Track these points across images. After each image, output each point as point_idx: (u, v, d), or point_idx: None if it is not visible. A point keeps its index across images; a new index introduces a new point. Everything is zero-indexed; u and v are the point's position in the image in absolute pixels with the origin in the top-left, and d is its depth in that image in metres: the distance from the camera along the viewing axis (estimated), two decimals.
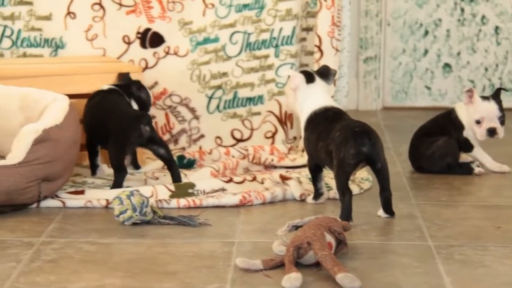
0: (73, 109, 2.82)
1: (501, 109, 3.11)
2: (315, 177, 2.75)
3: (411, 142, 3.22)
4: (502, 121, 3.10)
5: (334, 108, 2.71)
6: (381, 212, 2.65)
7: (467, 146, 3.16)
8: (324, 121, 2.67)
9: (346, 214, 2.54)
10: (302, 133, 2.76)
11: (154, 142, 2.88)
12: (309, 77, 2.75)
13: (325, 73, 2.77)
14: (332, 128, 2.62)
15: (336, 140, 2.57)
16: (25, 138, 2.65)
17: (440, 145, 3.15)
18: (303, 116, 2.74)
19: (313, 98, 2.72)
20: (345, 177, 2.55)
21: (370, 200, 2.79)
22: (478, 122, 3.09)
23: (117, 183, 2.83)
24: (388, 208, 2.64)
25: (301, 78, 2.75)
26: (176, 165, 2.90)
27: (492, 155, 3.22)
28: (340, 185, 2.56)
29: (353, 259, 2.27)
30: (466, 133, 3.15)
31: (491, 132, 3.08)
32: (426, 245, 2.39)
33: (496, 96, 3.13)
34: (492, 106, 3.09)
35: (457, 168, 3.15)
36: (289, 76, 2.77)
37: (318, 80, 2.75)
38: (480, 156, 3.15)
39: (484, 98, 3.11)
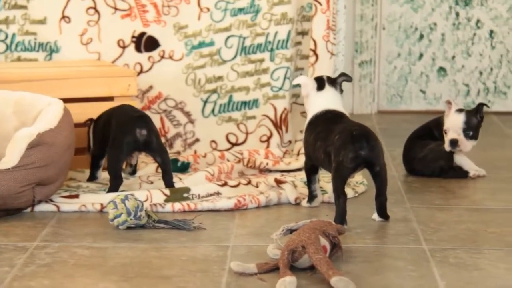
0: (67, 113, 2.82)
1: (469, 123, 3.10)
2: (310, 179, 2.76)
3: (404, 145, 3.23)
4: (469, 134, 3.10)
5: (334, 111, 2.73)
6: (375, 216, 2.65)
7: None
8: (323, 123, 2.70)
9: (341, 217, 2.54)
10: (303, 135, 2.78)
11: (151, 148, 2.81)
12: (320, 84, 2.78)
13: (335, 80, 2.80)
14: (331, 129, 2.64)
15: (336, 143, 2.58)
16: (20, 142, 2.65)
17: (433, 148, 3.16)
18: (307, 120, 2.77)
19: (319, 103, 2.76)
20: (342, 181, 2.56)
21: (365, 204, 2.79)
22: (445, 132, 3.12)
23: (112, 190, 2.82)
24: (383, 212, 2.64)
25: (312, 85, 2.78)
26: (170, 174, 2.85)
27: (482, 158, 3.24)
28: (336, 188, 2.56)
29: (347, 263, 2.27)
30: None
31: (453, 143, 3.10)
32: (421, 248, 2.39)
33: (474, 111, 3.13)
34: (459, 118, 3.10)
35: (452, 172, 3.16)
36: (302, 84, 2.79)
37: (327, 87, 2.78)
38: (460, 158, 3.17)
39: (459, 110, 3.13)
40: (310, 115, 2.77)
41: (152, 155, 2.86)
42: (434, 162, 3.14)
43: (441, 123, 3.19)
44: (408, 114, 4.30)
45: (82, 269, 2.23)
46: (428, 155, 3.15)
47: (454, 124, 3.12)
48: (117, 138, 2.81)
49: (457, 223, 2.62)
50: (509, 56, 4.32)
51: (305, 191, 2.83)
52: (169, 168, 2.86)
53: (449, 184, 3.07)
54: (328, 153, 2.61)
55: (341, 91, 2.81)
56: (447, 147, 3.13)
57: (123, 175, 2.87)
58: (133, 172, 3.07)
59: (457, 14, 4.31)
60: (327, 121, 2.70)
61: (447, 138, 3.12)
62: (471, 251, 2.36)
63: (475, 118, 3.13)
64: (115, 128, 2.84)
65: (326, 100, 2.76)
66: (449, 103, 3.15)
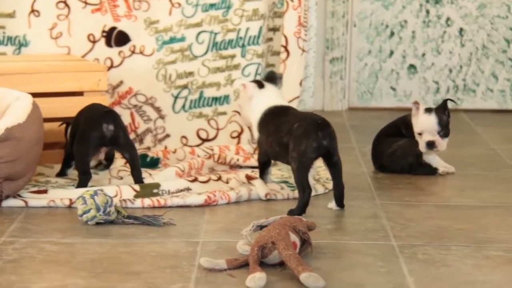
0: (36, 108, 2.79)
1: (442, 122, 3.13)
2: (264, 171, 2.84)
3: (373, 143, 3.24)
4: (443, 133, 3.12)
5: (281, 106, 2.80)
6: (332, 205, 2.68)
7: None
8: (274, 117, 2.76)
9: (301, 209, 2.58)
10: (256, 135, 2.82)
11: (118, 144, 2.80)
12: (259, 84, 2.87)
13: (272, 78, 2.89)
14: (285, 121, 2.68)
15: (296, 132, 2.59)
16: None
17: (401, 144, 3.17)
18: (254, 121, 2.82)
19: (264, 101, 2.82)
20: (305, 171, 2.59)
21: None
22: (419, 134, 3.14)
23: (81, 185, 2.80)
24: (341, 201, 2.67)
25: (253, 85, 2.85)
26: (139, 170, 2.84)
27: (451, 155, 3.27)
28: (301, 180, 2.58)
29: (317, 259, 2.28)
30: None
31: (430, 145, 3.12)
32: (390, 244, 2.41)
33: (441, 108, 3.15)
34: (431, 120, 3.12)
35: (421, 168, 3.17)
36: (244, 86, 2.82)
37: (267, 85, 2.86)
38: (428, 155, 3.18)
39: (427, 110, 3.14)
40: (258, 114, 2.81)
41: (119, 151, 2.85)
42: (403, 158, 3.15)
43: (409, 122, 3.20)
44: (379, 111, 4.32)
45: (50, 265, 2.22)
46: (396, 151, 3.17)
47: (428, 126, 3.12)
48: (84, 133, 2.80)
49: (426, 219, 2.64)
50: (478, 54, 4.35)
51: (275, 186, 2.85)
52: (138, 164, 2.84)
53: (418, 181, 3.09)
54: (284, 144, 2.63)
55: (281, 85, 2.90)
56: (423, 149, 3.13)
57: (92, 171, 2.85)
58: (107, 166, 3.05)
59: (428, 11, 4.34)
60: (277, 115, 2.76)
61: (423, 140, 3.12)
62: (439, 248, 2.38)
63: (445, 116, 3.15)
64: (83, 124, 2.82)
65: (270, 97, 2.83)
66: (416, 103, 3.15)
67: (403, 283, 2.13)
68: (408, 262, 2.27)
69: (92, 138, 2.78)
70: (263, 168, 2.85)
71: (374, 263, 2.26)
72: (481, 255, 2.32)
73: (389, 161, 3.17)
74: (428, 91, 4.38)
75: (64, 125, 3.06)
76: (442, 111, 3.14)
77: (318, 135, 2.57)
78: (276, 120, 2.73)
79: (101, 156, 2.96)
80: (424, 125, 3.13)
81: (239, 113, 3.23)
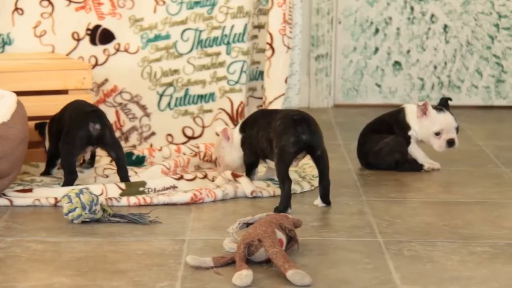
0: (20, 106, 2.78)
1: (455, 119, 3.16)
2: (251, 171, 2.86)
3: (358, 139, 3.25)
4: (457, 131, 3.16)
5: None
6: (318, 202, 2.69)
7: (407, 143, 3.20)
8: (259, 117, 2.80)
9: (285, 202, 2.59)
10: (238, 140, 2.85)
11: (104, 143, 2.80)
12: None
13: None
14: (271, 118, 2.73)
15: (277, 129, 2.65)
16: None
17: (387, 141, 3.18)
18: (235, 133, 2.88)
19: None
20: (285, 166, 2.61)
21: None
22: (437, 134, 3.14)
23: (67, 184, 2.79)
24: (326, 197, 2.67)
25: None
26: (125, 169, 2.83)
27: (436, 151, 3.28)
28: (281, 174, 2.61)
29: (303, 256, 2.28)
30: (411, 133, 3.19)
31: (451, 143, 3.13)
32: (376, 241, 2.41)
33: (447, 107, 3.18)
34: (449, 117, 3.14)
35: (406, 165, 3.18)
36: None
37: None
38: (414, 151, 3.19)
39: (438, 109, 3.15)
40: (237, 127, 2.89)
41: (106, 150, 2.84)
42: (389, 155, 3.16)
43: (402, 121, 3.19)
44: (364, 107, 4.33)
45: (35, 264, 2.21)
46: (383, 149, 3.17)
47: (448, 124, 3.13)
48: (70, 132, 2.79)
49: (412, 216, 2.64)
50: (463, 50, 4.37)
51: (261, 184, 2.85)
52: (124, 163, 2.84)
53: (404, 178, 3.10)
54: (270, 140, 2.66)
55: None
56: (443, 147, 3.13)
57: (77, 169, 2.84)
58: (91, 164, 3.04)
59: (412, 8, 4.35)
60: (262, 114, 2.82)
61: (443, 139, 3.12)
62: (425, 244, 2.39)
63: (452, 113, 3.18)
64: (68, 123, 2.81)
65: None
66: (424, 105, 3.12)
67: (389, 280, 2.13)
68: (394, 259, 2.27)
69: (78, 137, 2.77)
70: (251, 168, 2.87)
71: (360, 260, 2.26)
72: (466, 251, 2.33)
73: (376, 158, 3.18)
74: (413, 88, 4.39)
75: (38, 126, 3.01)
76: (449, 109, 3.17)
77: (297, 130, 2.61)
78: (263, 118, 2.78)
79: (88, 155, 2.95)
80: (444, 123, 3.13)
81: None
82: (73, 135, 2.77)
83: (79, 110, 2.84)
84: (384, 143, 3.18)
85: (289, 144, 2.61)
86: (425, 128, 3.14)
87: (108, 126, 2.82)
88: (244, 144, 2.86)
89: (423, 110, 3.14)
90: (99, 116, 2.80)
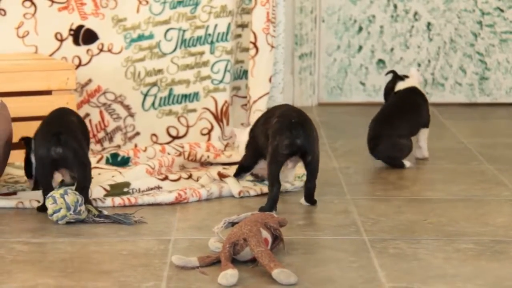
0: (4, 108, 2.76)
1: None
2: (241, 173, 2.84)
3: (379, 122, 3.19)
4: None
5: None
6: (302, 200, 2.70)
7: (428, 122, 3.25)
8: (263, 115, 2.80)
9: (271, 204, 2.59)
10: (245, 139, 2.86)
11: (67, 166, 2.59)
12: None
13: None
14: (271, 114, 2.72)
15: (274, 126, 2.62)
16: None
17: (404, 143, 3.17)
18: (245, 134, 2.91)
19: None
20: (276, 167, 2.60)
21: None
22: None
23: (36, 189, 2.70)
24: (310, 198, 2.69)
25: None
26: (86, 191, 2.61)
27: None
28: (271, 175, 2.60)
29: (289, 255, 2.28)
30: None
31: None
32: (361, 239, 2.42)
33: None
34: None
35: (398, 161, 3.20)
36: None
37: None
38: (424, 136, 3.25)
39: None
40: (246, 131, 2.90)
41: (70, 172, 2.64)
42: (399, 153, 3.17)
43: (420, 92, 3.25)
44: (348, 106, 4.34)
45: (20, 265, 2.20)
46: (397, 145, 3.16)
47: None
48: (38, 157, 2.63)
49: (397, 214, 2.65)
50: (446, 48, 4.38)
51: (248, 184, 2.85)
52: (85, 184, 2.60)
53: (389, 176, 3.10)
54: (267, 136, 2.65)
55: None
56: None
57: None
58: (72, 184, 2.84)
59: (395, 6, 4.36)
60: (266, 112, 2.80)
61: None
62: (410, 242, 2.39)
63: None
64: (36, 147, 2.64)
65: None
66: None
67: (374, 278, 2.14)
68: (379, 257, 2.28)
69: (45, 164, 2.60)
70: (242, 171, 2.85)
71: (345, 258, 2.27)
72: (451, 248, 2.34)
73: (391, 151, 3.16)
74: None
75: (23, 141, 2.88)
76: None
77: (292, 133, 2.58)
78: (265, 116, 2.77)
79: (67, 178, 2.71)
80: None
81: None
82: (41, 160, 2.61)
83: (42, 132, 2.66)
84: (401, 143, 3.16)
85: (282, 146, 2.59)
86: None
87: (71, 147, 2.60)
88: (248, 145, 2.84)
89: None
90: (58, 138, 2.59)
